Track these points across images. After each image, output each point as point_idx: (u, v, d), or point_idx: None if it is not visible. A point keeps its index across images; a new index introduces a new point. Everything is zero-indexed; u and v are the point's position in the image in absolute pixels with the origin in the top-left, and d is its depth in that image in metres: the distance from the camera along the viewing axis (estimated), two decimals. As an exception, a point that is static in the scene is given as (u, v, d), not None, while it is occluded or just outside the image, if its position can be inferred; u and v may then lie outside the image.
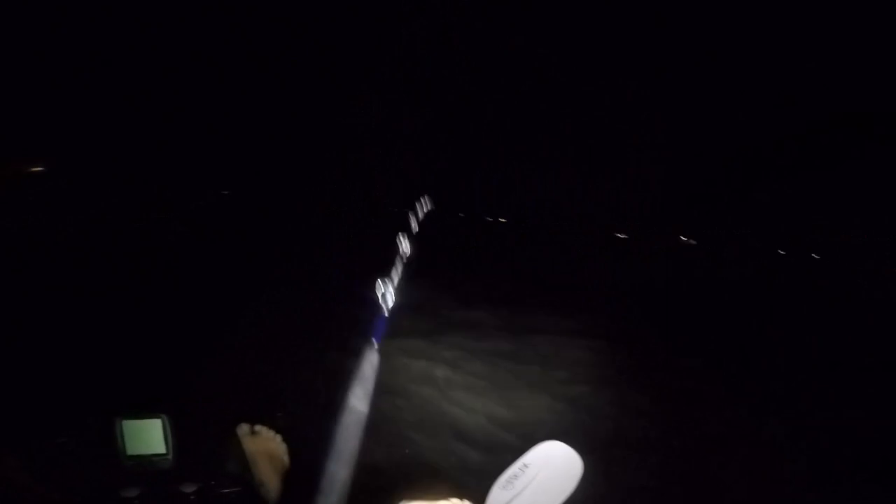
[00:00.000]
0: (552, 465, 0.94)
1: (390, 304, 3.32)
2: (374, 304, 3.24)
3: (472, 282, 4.11)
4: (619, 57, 4.15)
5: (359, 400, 2.26)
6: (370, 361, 2.64)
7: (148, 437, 1.24)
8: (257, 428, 1.58)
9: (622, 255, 5.23)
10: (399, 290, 3.59)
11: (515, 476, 0.93)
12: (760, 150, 4.65)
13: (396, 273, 3.85)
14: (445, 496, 0.83)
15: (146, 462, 1.24)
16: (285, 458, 1.58)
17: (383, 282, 3.48)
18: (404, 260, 4.12)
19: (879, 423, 2.49)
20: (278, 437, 1.59)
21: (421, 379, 2.74)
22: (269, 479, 1.46)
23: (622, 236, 5.71)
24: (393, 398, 2.55)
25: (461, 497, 0.84)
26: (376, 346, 2.75)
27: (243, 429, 1.56)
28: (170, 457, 1.25)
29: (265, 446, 1.55)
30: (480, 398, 2.59)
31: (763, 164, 4.68)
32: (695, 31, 3.90)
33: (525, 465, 0.94)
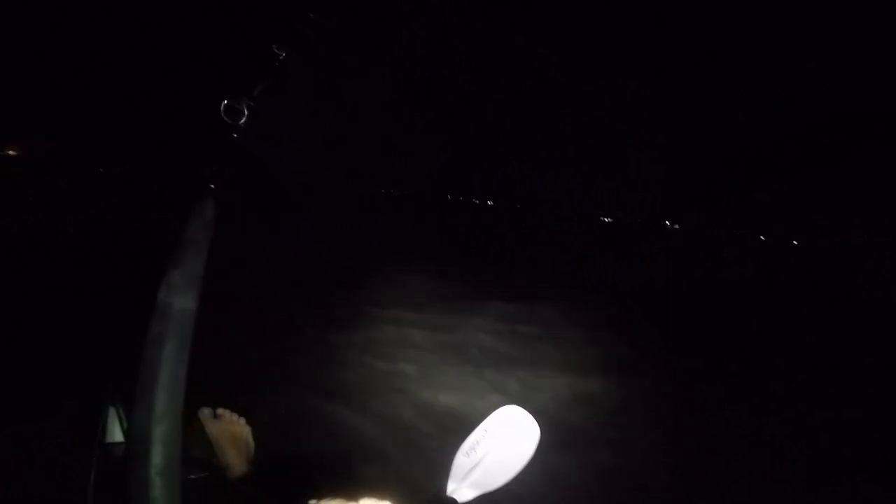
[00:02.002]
0: (511, 429, 0.95)
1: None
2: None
3: (471, 278, 4.12)
4: (619, 57, 4.14)
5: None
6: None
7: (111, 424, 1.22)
8: (219, 411, 1.56)
9: (621, 255, 5.23)
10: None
11: (477, 442, 0.94)
12: (760, 150, 4.65)
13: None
14: (362, 496, 0.83)
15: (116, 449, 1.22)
16: (250, 441, 1.55)
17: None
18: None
19: (879, 423, 2.49)
20: (242, 420, 1.57)
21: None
22: (234, 462, 1.44)
23: (622, 236, 5.71)
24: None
25: (382, 497, 0.84)
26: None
27: (205, 412, 1.54)
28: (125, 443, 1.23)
29: (229, 430, 1.53)
30: (463, 391, 2.59)
31: (763, 164, 4.68)
32: (695, 31, 3.89)
33: (485, 431, 0.95)
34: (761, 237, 5.32)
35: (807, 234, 4.94)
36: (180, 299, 0.71)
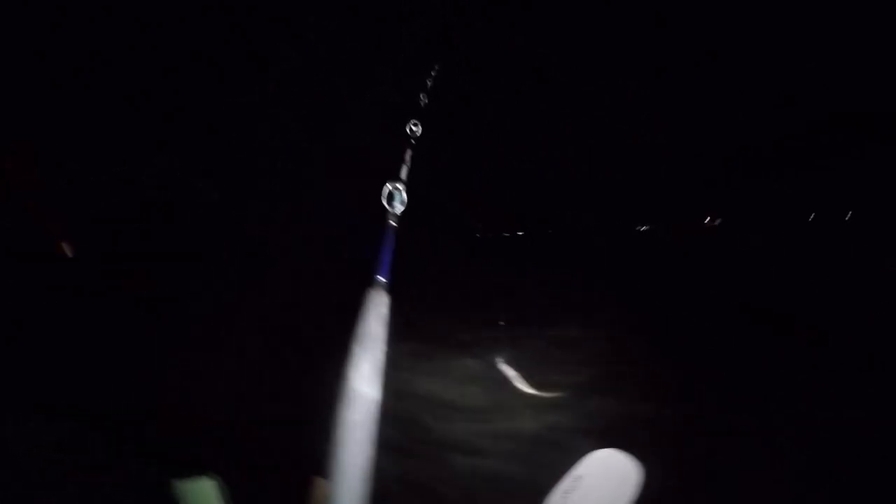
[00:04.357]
0: (607, 475, 0.92)
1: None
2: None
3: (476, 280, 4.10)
4: (619, 57, 4.14)
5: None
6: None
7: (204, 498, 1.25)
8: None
9: (621, 256, 5.22)
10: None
11: (570, 488, 0.90)
12: (760, 150, 4.65)
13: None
14: None
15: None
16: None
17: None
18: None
19: (879, 423, 2.49)
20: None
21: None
22: None
23: (621, 235, 5.70)
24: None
25: None
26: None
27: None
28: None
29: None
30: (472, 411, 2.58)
31: (763, 164, 4.68)
32: (695, 31, 3.89)
33: (579, 477, 0.92)
34: (761, 238, 5.32)
35: (806, 234, 4.94)
36: (369, 388, 0.76)
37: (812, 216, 4.76)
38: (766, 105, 4.34)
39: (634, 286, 4.29)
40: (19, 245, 2.96)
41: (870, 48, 3.72)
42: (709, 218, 5.06)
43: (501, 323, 3.33)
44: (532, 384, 2.80)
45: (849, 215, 4.65)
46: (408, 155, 3.88)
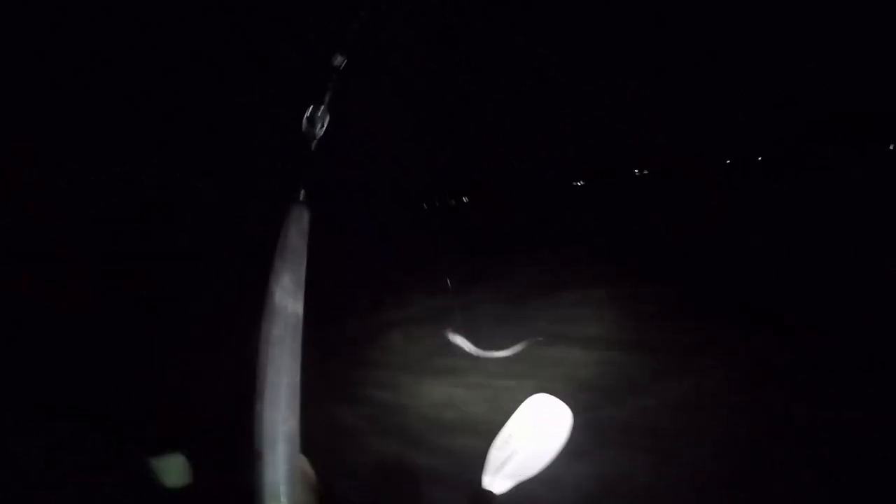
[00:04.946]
0: (542, 417, 0.96)
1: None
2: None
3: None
4: (619, 57, 4.16)
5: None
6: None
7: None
8: None
9: (620, 257, 5.23)
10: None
11: (510, 434, 0.95)
12: (760, 150, 4.66)
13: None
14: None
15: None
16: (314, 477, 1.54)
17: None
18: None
19: (879, 423, 2.49)
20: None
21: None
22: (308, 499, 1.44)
23: (621, 235, 5.71)
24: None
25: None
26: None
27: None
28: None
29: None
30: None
31: (763, 164, 4.69)
32: (695, 31, 3.90)
33: (517, 423, 0.96)
34: (761, 238, 5.32)
35: (806, 234, 4.95)
36: (293, 303, 0.74)
37: (812, 216, 4.76)
38: (767, 105, 4.34)
39: (634, 287, 4.30)
40: (19, 245, 2.96)
41: (869, 49, 3.73)
42: (709, 217, 5.06)
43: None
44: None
45: (848, 215, 4.65)
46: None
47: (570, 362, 2.97)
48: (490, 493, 0.90)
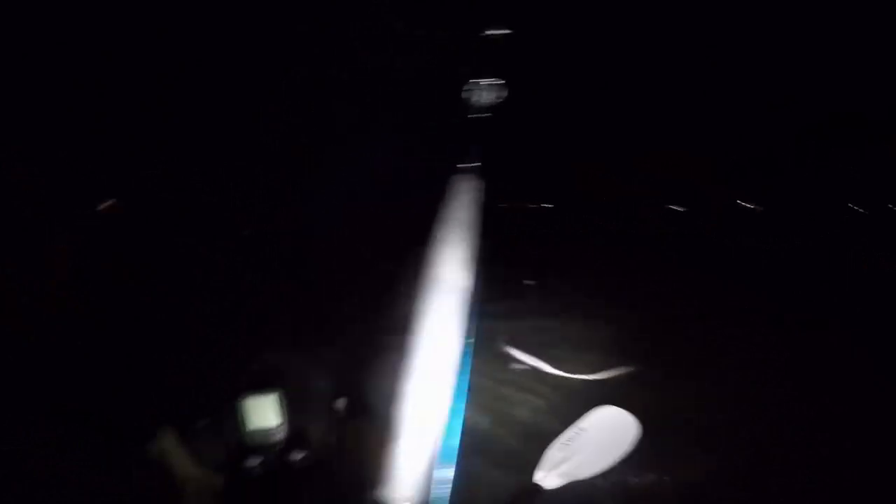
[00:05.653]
0: (607, 427, 0.96)
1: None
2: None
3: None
4: (618, 57, 4.15)
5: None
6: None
7: (264, 412, 1.45)
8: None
9: (626, 259, 5.22)
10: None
11: (571, 438, 0.95)
12: (760, 150, 4.66)
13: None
14: None
15: (263, 434, 1.40)
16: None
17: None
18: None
19: (879, 422, 2.49)
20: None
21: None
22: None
23: (621, 235, 5.69)
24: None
25: None
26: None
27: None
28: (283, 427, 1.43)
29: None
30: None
31: (762, 164, 4.69)
32: (695, 31, 3.90)
33: (581, 429, 0.96)
34: (761, 240, 5.32)
35: (806, 234, 4.94)
36: (460, 277, 0.75)
37: (812, 216, 4.76)
38: (766, 105, 4.34)
39: (634, 288, 4.28)
40: (19, 245, 2.96)
41: (869, 49, 3.73)
42: (710, 217, 5.07)
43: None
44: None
45: (848, 215, 4.65)
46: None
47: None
48: (539, 486, 0.91)
